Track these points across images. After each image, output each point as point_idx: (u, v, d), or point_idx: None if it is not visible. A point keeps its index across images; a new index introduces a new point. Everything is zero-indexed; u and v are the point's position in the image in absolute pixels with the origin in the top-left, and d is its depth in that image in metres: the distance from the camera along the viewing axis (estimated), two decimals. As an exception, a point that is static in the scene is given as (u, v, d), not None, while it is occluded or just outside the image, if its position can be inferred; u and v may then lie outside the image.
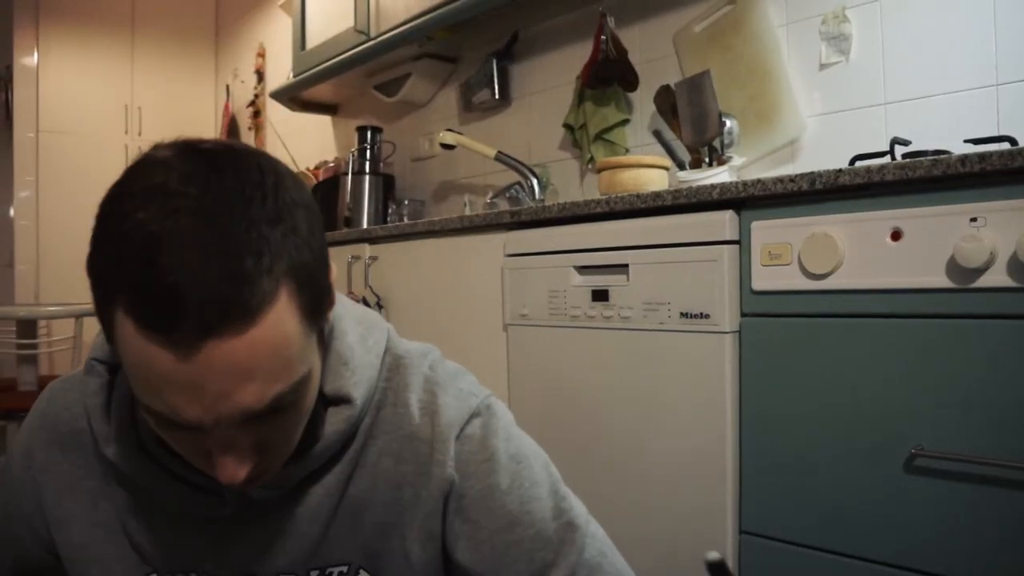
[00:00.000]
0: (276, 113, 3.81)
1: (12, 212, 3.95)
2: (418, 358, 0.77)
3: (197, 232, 0.53)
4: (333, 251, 2.25)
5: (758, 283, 1.26)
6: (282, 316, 0.56)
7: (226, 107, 4.44)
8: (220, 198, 0.55)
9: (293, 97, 3.32)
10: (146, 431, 0.71)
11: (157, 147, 0.60)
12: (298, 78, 3.11)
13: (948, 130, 1.55)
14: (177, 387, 0.54)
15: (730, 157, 1.81)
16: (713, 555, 0.72)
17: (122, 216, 0.55)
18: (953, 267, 1.04)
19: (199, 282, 0.52)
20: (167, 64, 4.40)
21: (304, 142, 3.75)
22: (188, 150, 0.59)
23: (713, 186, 1.31)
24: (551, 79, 2.50)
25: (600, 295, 1.49)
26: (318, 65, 2.94)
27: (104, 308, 0.56)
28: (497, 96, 2.62)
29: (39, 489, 0.76)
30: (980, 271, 1.01)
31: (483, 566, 0.72)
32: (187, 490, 0.71)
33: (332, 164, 3.35)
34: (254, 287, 0.53)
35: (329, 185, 3.06)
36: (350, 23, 2.73)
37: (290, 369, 0.58)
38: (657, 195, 1.41)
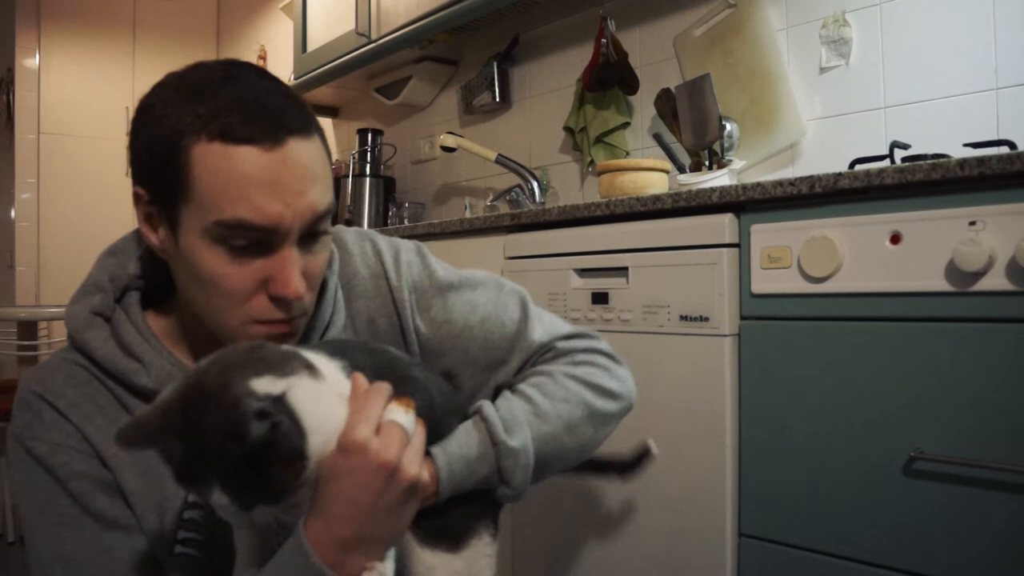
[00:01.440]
0: (277, 115, 3.81)
1: (13, 214, 3.95)
2: (345, 226, 0.95)
3: (259, 79, 0.73)
4: (333, 253, 2.25)
5: (757, 286, 1.26)
6: (322, 147, 0.76)
7: (227, 109, 4.45)
8: (261, 72, 0.75)
9: (294, 99, 3.32)
10: (170, 357, 0.80)
11: (166, 74, 0.76)
12: (299, 80, 3.11)
13: (947, 134, 1.55)
14: (263, 186, 0.69)
15: (730, 160, 1.81)
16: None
17: (186, 88, 0.71)
18: (952, 270, 1.04)
19: (275, 100, 0.71)
20: (168, 66, 4.21)
21: (305, 144, 3.75)
22: (201, 61, 0.76)
23: (713, 189, 1.32)
24: (552, 82, 2.51)
25: (600, 298, 1.49)
26: (319, 68, 2.94)
27: (177, 157, 0.69)
28: (498, 99, 2.62)
29: (89, 444, 0.78)
30: (979, 275, 1.01)
31: (473, 352, 0.88)
32: None
33: (333, 166, 3.35)
34: (311, 116, 0.75)
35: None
36: (351, 26, 2.73)
37: (331, 187, 0.76)
38: (657, 198, 1.41)
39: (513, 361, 0.89)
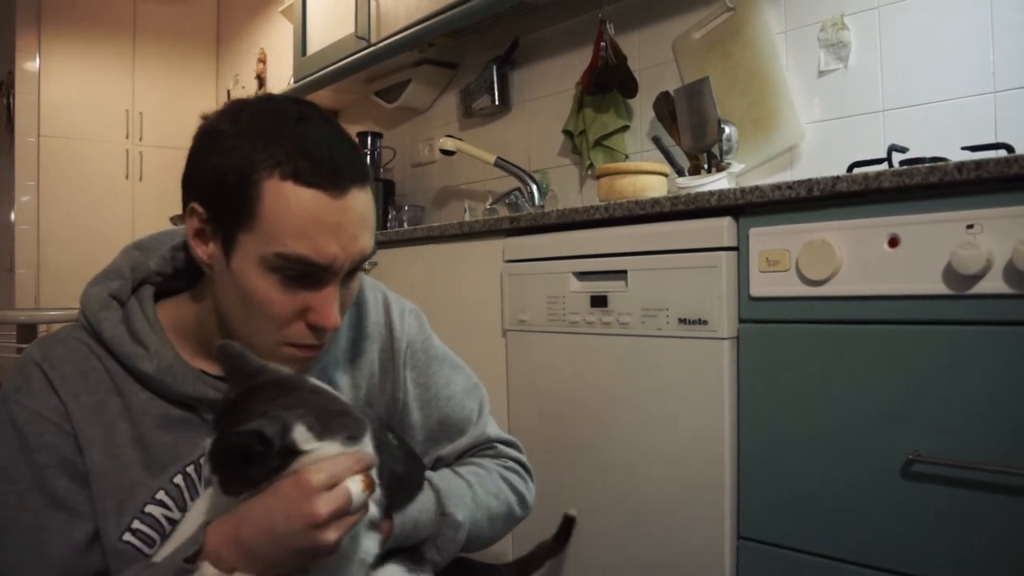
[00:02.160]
0: (277, 118, 3.81)
1: (13, 217, 3.95)
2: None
3: (328, 125, 0.79)
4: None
5: (756, 289, 1.26)
6: (372, 194, 0.82)
7: (227, 112, 4.44)
8: (328, 118, 0.81)
9: (294, 103, 3.33)
10: (173, 351, 0.84)
11: (234, 101, 0.82)
12: (299, 84, 3.12)
13: (945, 137, 1.55)
14: (325, 228, 0.76)
15: (729, 164, 1.82)
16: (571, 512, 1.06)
17: (261, 122, 0.77)
18: (950, 274, 1.04)
19: (343, 150, 0.78)
20: (168, 69, 4.41)
21: (305, 147, 3.75)
22: (271, 95, 0.83)
23: (711, 193, 1.32)
24: (551, 85, 2.51)
25: (599, 301, 1.49)
26: (319, 71, 2.95)
27: (248, 188, 0.75)
28: (497, 102, 2.63)
29: (69, 420, 0.81)
30: (977, 278, 1.02)
31: (432, 420, 0.99)
32: (215, 392, 0.83)
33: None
34: (368, 167, 0.82)
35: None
36: (351, 29, 2.74)
37: (375, 234, 0.82)
38: (656, 201, 1.41)
39: (461, 442, 1.00)
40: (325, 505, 0.68)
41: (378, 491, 0.76)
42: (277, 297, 0.78)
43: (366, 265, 0.84)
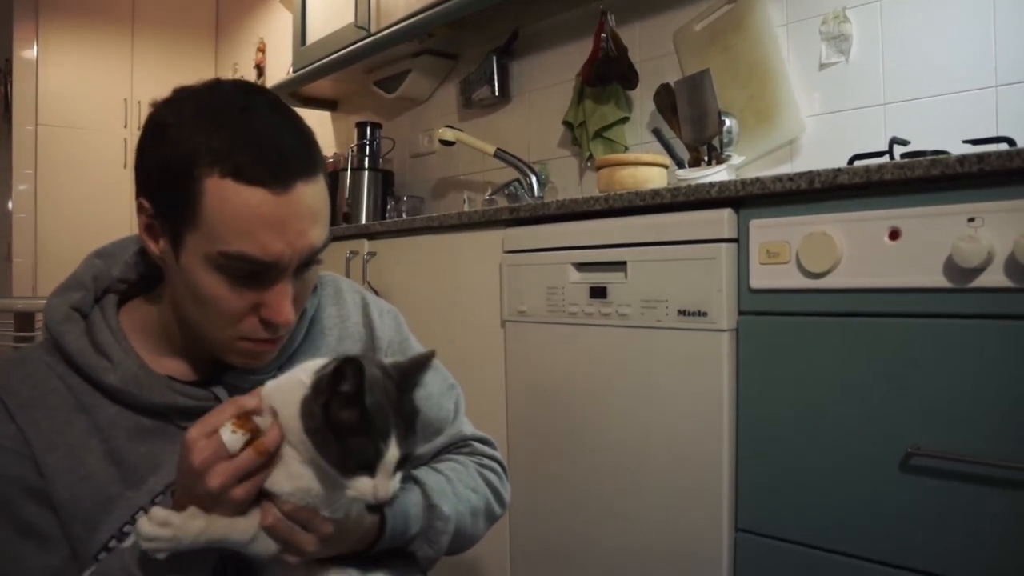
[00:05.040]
0: (276, 108, 3.79)
1: (10, 205, 3.94)
2: (342, 277, 1.03)
3: (274, 113, 0.76)
4: (331, 246, 2.25)
5: (756, 281, 1.26)
6: (325, 184, 0.80)
7: (225, 102, 4.43)
8: (276, 104, 0.78)
9: (293, 92, 3.32)
10: (137, 360, 0.81)
11: (181, 88, 0.78)
12: (298, 73, 3.11)
13: (947, 130, 1.55)
14: (269, 225, 0.73)
15: (729, 156, 1.81)
16: None
17: (204, 114, 0.73)
18: (951, 267, 1.04)
19: (288, 140, 0.75)
20: (167, 58, 4.39)
21: (303, 138, 3.74)
22: (218, 81, 0.78)
23: (712, 184, 1.31)
24: (551, 76, 2.50)
25: (598, 292, 1.49)
26: (318, 61, 2.94)
27: (189, 184, 0.72)
28: (497, 93, 2.62)
29: (29, 448, 0.79)
30: (978, 271, 1.01)
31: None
32: (184, 398, 0.82)
33: (331, 160, 3.35)
34: (319, 156, 0.79)
35: (328, 180, 3.06)
36: (350, 19, 2.72)
37: (328, 225, 0.81)
38: (656, 193, 1.41)
39: (438, 441, 0.99)
40: (199, 455, 0.69)
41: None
42: (226, 295, 0.76)
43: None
